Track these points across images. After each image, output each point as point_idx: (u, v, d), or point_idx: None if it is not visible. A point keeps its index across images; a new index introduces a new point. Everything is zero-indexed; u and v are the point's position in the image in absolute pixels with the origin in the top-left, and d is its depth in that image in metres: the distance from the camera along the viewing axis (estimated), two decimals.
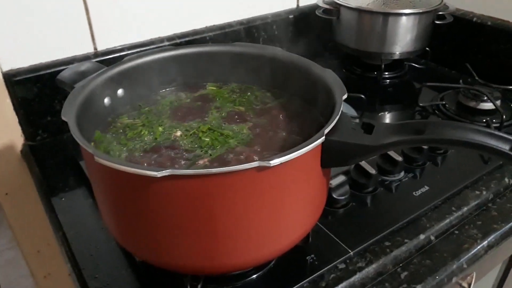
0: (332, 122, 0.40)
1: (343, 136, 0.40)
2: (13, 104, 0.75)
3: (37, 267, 0.92)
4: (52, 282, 0.94)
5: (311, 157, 0.40)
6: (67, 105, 0.44)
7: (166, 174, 0.34)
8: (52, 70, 0.76)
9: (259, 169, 0.36)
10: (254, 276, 0.52)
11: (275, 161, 0.35)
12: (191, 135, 0.49)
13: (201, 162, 0.44)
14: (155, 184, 0.36)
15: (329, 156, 0.41)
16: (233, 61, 0.57)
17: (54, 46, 0.76)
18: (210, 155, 0.45)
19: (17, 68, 0.74)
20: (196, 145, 0.47)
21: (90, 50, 0.79)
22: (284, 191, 0.40)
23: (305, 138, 0.39)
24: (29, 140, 0.79)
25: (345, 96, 0.44)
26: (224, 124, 0.51)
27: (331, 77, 0.48)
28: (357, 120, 0.44)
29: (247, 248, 0.42)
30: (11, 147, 0.78)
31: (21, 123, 0.77)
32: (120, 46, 0.82)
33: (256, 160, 0.36)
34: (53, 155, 0.76)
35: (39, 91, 0.76)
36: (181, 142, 0.48)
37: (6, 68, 0.73)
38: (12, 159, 0.79)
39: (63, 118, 0.42)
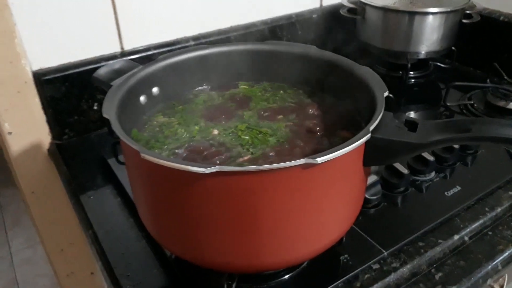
0: (377, 119, 0.39)
1: (387, 133, 0.40)
2: (42, 103, 0.76)
3: (60, 265, 0.92)
4: (74, 280, 0.95)
5: (356, 155, 0.40)
6: (107, 102, 0.44)
7: (214, 170, 0.34)
8: (80, 69, 0.76)
9: (305, 166, 0.36)
10: (287, 276, 0.51)
11: (322, 158, 0.35)
12: (229, 133, 0.48)
13: (242, 160, 0.44)
14: (202, 180, 0.35)
15: (373, 154, 0.40)
16: (266, 59, 0.57)
17: (82, 46, 0.76)
18: (252, 153, 0.45)
19: (46, 68, 0.75)
20: (236, 143, 0.47)
21: (117, 49, 0.80)
22: (328, 189, 0.39)
23: (345, 136, 0.39)
24: (56, 139, 0.79)
25: (386, 93, 0.43)
26: (262, 122, 0.51)
27: (369, 74, 0.48)
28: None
29: (288, 247, 0.41)
30: (39, 146, 0.78)
31: (49, 122, 0.77)
32: (146, 45, 0.82)
33: (302, 158, 0.35)
34: (80, 154, 0.77)
35: (67, 90, 0.76)
36: (220, 141, 0.48)
37: (35, 67, 0.74)
38: (39, 158, 0.79)
39: (105, 115, 0.42)
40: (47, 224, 0.86)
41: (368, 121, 0.41)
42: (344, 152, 0.36)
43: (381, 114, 0.40)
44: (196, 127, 0.50)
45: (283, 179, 0.36)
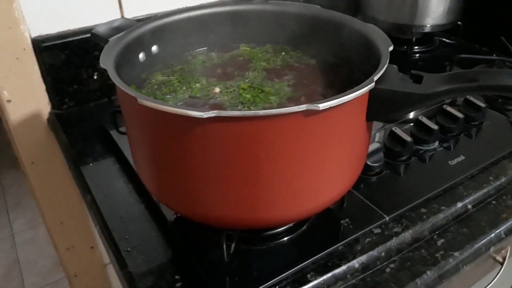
0: (381, 70, 0.38)
1: (392, 85, 0.39)
2: (41, 71, 0.75)
3: (60, 238, 0.92)
4: (74, 254, 0.95)
5: (359, 106, 0.39)
6: (105, 54, 0.43)
7: (212, 115, 0.33)
8: (80, 37, 0.75)
9: (307, 113, 0.35)
10: (286, 238, 0.50)
11: (324, 105, 0.34)
12: (231, 92, 0.47)
13: None
14: (200, 126, 0.35)
15: (377, 107, 0.39)
16: (268, 20, 0.56)
17: (81, 13, 0.75)
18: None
19: (46, 34, 0.73)
20: (237, 101, 0.46)
21: (118, 17, 0.79)
22: (329, 141, 0.38)
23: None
24: (55, 108, 0.78)
25: (391, 48, 0.42)
26: (265, 82, 0.50)
27: (374, 31, 0.46)
28: None
29: (287, 201, 0.40)
30: (38, 115, 0.77)
31: (48, 90, 0.77)
32: (146, 14, 0.80)
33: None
34: (79, 124, 0.76)
35: (67, 58, 0.75)
36: (220, 98, 0.47)
37: (34, 34, 0.73)
38: (39, 128, 0.78)
39: (102, 65, 0.41)
40: (47, 196, 0.85)
41: None
42: (347, 100, 0.35)
43: (385, 66, 0.39)
44: (198, 85, 0.49)
45: (284, 126, 0.35)
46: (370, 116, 0.40)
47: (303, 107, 0.34)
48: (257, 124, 0.34)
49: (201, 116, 0.33)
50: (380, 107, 0.39)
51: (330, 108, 0.35)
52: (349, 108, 0.37)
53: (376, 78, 0.37)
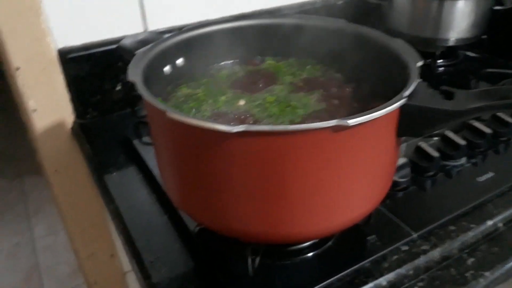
0: (412, 85, 0.37)
1: (423, 101, 0.38)
2: (66, 82, 0.76)
3: (80, 246, 0.93)
4: (94, 262, 0.95)
5: (389, 122, 0.38)
6: (132, 67, 0.43)
7: (241, 130, 0.33)
8: (104, 48, 0.76)
9: (336, 128, 0.34)
10: (311, 254, 0.50)
11: (354, 121, 0.34)
12: (256, 105, 0.47)
13: None
14: (228, 141, 0.34)
15: (407, 123, 0.38)
16: (293, 34, 0.55)
17: (106, 25, 0.76)
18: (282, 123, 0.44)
19: (71, 46, 0.75)
20: (264, 114, 0.46)
21: (140, 30, 0.80)
22: (358, 157, 0.38)
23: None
24: (79, 118, 0.79)
25: (420, 63, 0.42)
26: (291, 95, 0.50)
27: (401, 45, 0.46)
28: None
29: (314, 217, 0.40)
30: (62, 125, 0.79)
31: (72, 100, 0.78)
32: (169, 27, 0.81)
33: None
34: (103, 133, 0.77)
35: (90, 69, 0.76)
36: (248, 111, 0.46)
37: (60, 45, 0.74)
38: (63, 137, 0.80)
39: (130, 79, 0.41)
40: (69, 204, 0.86)
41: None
42: (377, 116, 0.34)
43: (415, 81, 0.38)
44: (223, 98, 0.49)
45: (313, 141, 0.35)
46: (401, 132, 0.40)
47: (332, 122, 0.33)
48: (286, 139, 0.34)
49: (230, 131, 0.33)
50: (411, 123, 0.39)
51: (360, 124, 0.34)
52: (379, 124, 0.37)
53: (406, 93, 0.36)
